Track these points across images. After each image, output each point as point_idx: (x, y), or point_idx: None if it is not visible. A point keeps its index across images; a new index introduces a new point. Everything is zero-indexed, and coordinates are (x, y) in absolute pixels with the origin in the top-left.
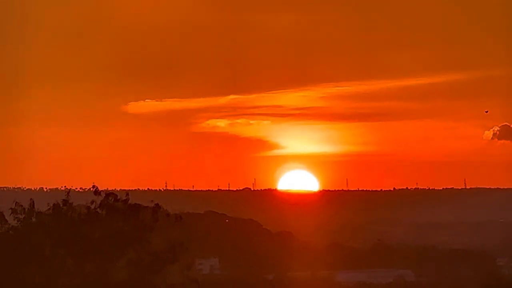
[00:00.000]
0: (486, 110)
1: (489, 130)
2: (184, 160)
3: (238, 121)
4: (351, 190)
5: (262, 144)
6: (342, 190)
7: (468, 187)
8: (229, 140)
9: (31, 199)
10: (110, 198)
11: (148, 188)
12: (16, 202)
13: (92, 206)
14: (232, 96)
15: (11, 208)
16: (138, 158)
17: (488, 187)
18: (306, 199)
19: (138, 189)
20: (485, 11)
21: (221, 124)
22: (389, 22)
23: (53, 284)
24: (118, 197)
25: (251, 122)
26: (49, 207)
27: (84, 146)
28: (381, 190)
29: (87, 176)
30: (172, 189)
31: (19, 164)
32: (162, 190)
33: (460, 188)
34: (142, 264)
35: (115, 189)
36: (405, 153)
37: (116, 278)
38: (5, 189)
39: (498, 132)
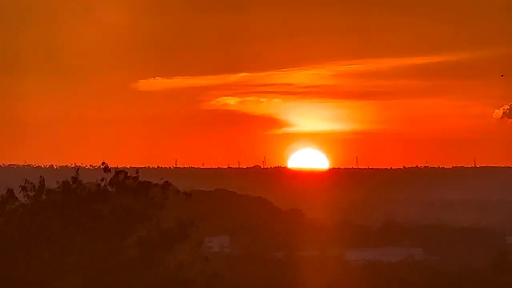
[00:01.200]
0: (502, 74)
1: (499, 109)
2: (194, 138)
3: (248, 98)
4: (360, 168)
5: (272, 122)
6: (352, 168)
7: (478, 165)
8: (239, 118)
9: (41, 176)
10: (120, 176)
11: (158, 166)
12: (26, 180)
13: (102, 184)
14: (242, 74)
15: (20, 186)
16: (148, 135)
17: (498, 165)
18: (316, 177)
19: (148, 166)
20: None
21: (231, 101)
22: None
23: (62, 261)
24: (128, 175)
25: (261, 100)
26: (58, 185)
27: (94, 123)
28: (391, 168)
29: (97, 153)
30: (182, 166)
31: (29, 142)
32: (172, 167)
33: (470, 166)
34: (152, 241)
35: (125, 166)
36: (415, 131)
37: (126, 255)
38: (15, 166)
39: (508, 111)
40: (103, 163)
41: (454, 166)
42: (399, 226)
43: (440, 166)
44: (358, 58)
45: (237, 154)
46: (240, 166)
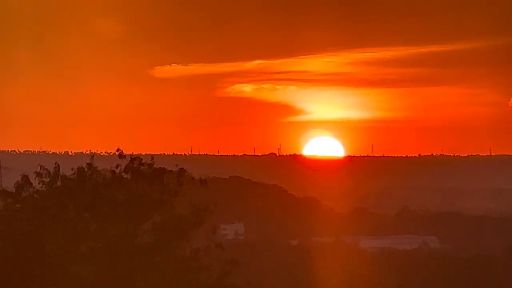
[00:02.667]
0: None
1: None
2: (210, 125)
3: (264, 86)
4: (376, 156)
5: (287, 109)
6: (367, 156)
7: (493, 154)
8: (254, 105)
9: (56, 162)
10: (135, 162)
11: (173, 153)
12: (41, 166)
13: (117, 170)
14: (258, 61)
15: (36, 172)
16: (163, 122)
17: None
18: (331, 164)
19: (164, 153)
20: None
21: (247, 89)
22: None
23: (77, 247)
24: (143, 161)
25: (277, 87)
26: (73, 171)
27: (110, 110)
28: (406, 156)
29: (113, 140)
30: (198, 153)
31: (44, 129)
32: (188, 154)
33: (485, 155)
34: (167, 228)
35: (141, 153)
36: (430, 119)
37: (141, 241)
38: (30, 152)
39: None
40: (118, 150)
41: (470, 154)
42: (414, 214)
43: (456, 154)
44: (373, 46)
45: (252, 141)
46: (256, 154)
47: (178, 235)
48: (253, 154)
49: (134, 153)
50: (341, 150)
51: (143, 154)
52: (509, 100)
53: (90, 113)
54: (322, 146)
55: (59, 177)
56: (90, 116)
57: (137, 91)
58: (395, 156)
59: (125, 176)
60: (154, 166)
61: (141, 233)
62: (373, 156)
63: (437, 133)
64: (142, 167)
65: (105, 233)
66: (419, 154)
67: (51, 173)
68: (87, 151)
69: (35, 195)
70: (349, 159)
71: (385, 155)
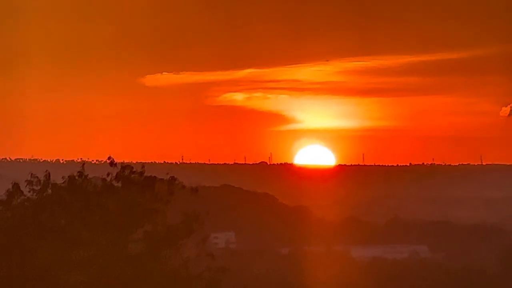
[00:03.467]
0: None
1: (506, 106)
2: (201, 134)
3: (255, 94)
4: (367, 165)
5: (278, 118)
6: (359, 165)
7: (484, 163)
8: (245, 114)
9: (46, 170)
10: (126, 170)
11: (164, 161)
12: (32, 174)
13: (108, 178)
14: (249, 70)
15: (26, 180)
16: (154, 131)
17: (504, 163)
18: (322, 173)
19: (154, 162)
20: None
21: (238, 97)
22: None
23: (68, 255)
24: (134, 169)
25: (268, 96)
26: (64, 180)
27: (101, 118)
28: (397, 165)
29: (104, 148)
30: (188, 162)
31: (35, 136)
32: (178, 163)
33: (476, 164)
34: (158, 236)
35: (131, 161)
36: (421, 128)
37: (131, 250)
38: (21, 160)
39: None
40: (109, 158)
41: (461, 163)
42: (405, 223)
43: (447, 164)
44: (365, 55)
45: (243, 150)
46: (247, 162)
47: (169, 244)
48: (244, 162)
49: (125, 161)
50: (332, 159)
51: (134, 162)
52: (500, 110)
53: (81, 121)
54: (313, 155)
55: (50, 185)
56: (81, 124)
57: (128, 99)
58: (386, 165)
59: (116, 184)
60: (145, 174)
61: (132, 241)
62: (364, 165)
63: (428, 142)
64: (133, 175)
65: (96, 242)
66: (410, 163)
67: (42, 181)
68: (78, 159)
69: (25, 203)
70: (340, 168)
71: (376, 164)
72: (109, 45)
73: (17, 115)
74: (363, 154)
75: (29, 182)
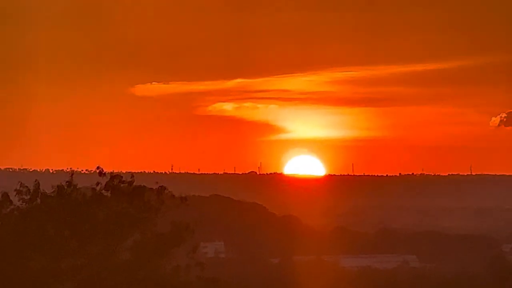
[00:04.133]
0: None
1: (496, 117)
2: (190, 143)
3: (245, 104)
4: (356, 175)
5: (268, 128)
6: (348, 175)
7: (473, 173)
8: (235, 124)
9: (36, 180)
10: (115, 180)
11: (154, 171)
12: (21, 183)
13: (97, 188)
14: (238, 80)
15: (16, 189)
16: (144, 140)
17: (494, 173)
18: (312, 183)
19: (144, 171)
20: None
21: (228, 107)
22: (395, 6)
23: (57, 264)
24: (123, 179)
25: (258, 106)
26: (53, 189)
27: (91, 128)
28: (387, 175)
29: (94, 158)
30: (178, 172)
31: (25, 146)
32: (168, 173)
33: (465, 174)
34: (147, 245)
35: (121, 171)
36: (411, 138)
37: (121, 259)
38: (11, 170)
39: (505, 119)
40: (98, 168)
41: (450, 173)
42: (395, 233)
43: (436, 174)
44: (354, 65)
45: (233, 159)
46: (236, 172)
47: (158, 253)
48: (233, 172)
49: (115, 171)
50: (322, 168)
51: (123, 172)
52: (490, 120)
53: (70, 131)
54: (303, 165)
55: (39, 195)
56: (70, 133)
57: (117, 109)
58: (376, 175)
59: (105, 193)
60: (134, 184)
61: (122, 250)
62: (354, 175)
63: (417, 152)
64: (122, 185)
65: (86, 251)
66: (400, 173)
67: (31, 190)
68: (67, 168)
69: (15, 213)
70: (329, 178)
71: (366, 174)
72: (99, 55)
73: (6, 124)
74: (352, 164)
75: (19, 192)
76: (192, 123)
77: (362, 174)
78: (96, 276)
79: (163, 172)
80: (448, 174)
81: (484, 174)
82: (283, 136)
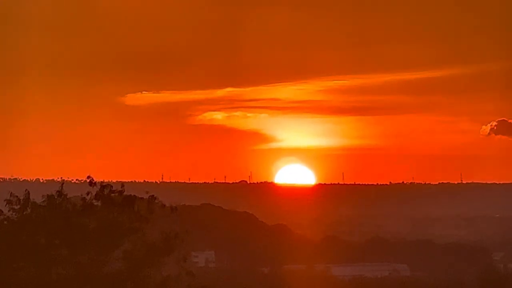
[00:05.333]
0: None
1: (486, 125)
2: (181, 153)
3: (235, 113)
4: (347, 184)
5: (259, 137)
6: (338, 184)
7: (464, 181)
8: (226, 133)
9: (26, 190)
10: (106, 190)
11: (144, 180)
12: (11, 193)
13: (88, 198)
14: (229, 89)
15: (6, 199)
16: (134, 150)
17: (484, 182)
18: (302, 192)
19: (135, 181)
20: (482, 7)
21: (218, 116)
22: (386, 16)
23: (47, 274)
24: (114, 189)
25: (248, 115)
26: (43, 199)
27: (81, 137)
28: (377, 184)
29: (84, 167)
30: (169, 181)
31: (15, 156)
32: (159, 182)
33: (456, 182)
34: (138, 255)
35: (112, 180)
36: (401, 147)
37: (111, 268)
38: (1, 179)
39: (495, 127)
40: (88, 177)
41: (441, 182)
42: (385, 242)
43: (427, 182)
44: (345, 74)
45: (223, 169)
46: (227, 181)
47: (149, 263)
48: (224, 181)
49: (106, 181)
50: (312, 177)
51: (114, 181)
52: (480, 128)
53: (61, 140)
54: (293, 174)
55: (30, 205)
56: (61, 143)
57: (108, 118)
58: (366, 183)
59: (95, 203)
60: (125, 193)
61: (112, 260)
62: (344, 183)
63: (407, 161)
64: (112, 195)
65: (76, 260)
66: (390, 182)
67: (22, 200)
68: (58, 178)
69: (5, 223)
70: (320, 187)
71: (356, 183)
72: (90, 64)
73: None
74: (343, 173)
75: (9, 202)
76: (182, 132)
77: (353, 183)
78: (87, 285)
79: (154, 182)
80: (439, 183)
81: (475, 183)
82: (273, 145)
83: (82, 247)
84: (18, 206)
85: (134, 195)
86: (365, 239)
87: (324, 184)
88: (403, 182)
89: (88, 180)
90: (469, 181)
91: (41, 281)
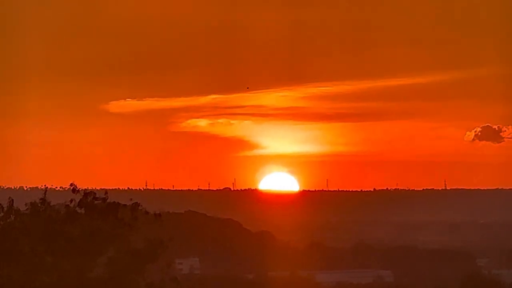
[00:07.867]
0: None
1: (470, 131)
2: (165, 160)
3: (219, 120)
4: (331, 191)
5: (242, 144)
6: (322, 190)
7: (448, 187)
8: (209, 140)
9: (9, 197)
10: (89, 197)
11: (128, 187)
12: None
13: (71, 205)
14: (213, 96)
15: None
16: (118, 157)
17: (468, 188)
18: (286, 199)
19: (118, 188)
20: (468, 13)
21: (202, 123)
22: (369, 23)
23: (31, 281)
24: (97, 196)
25: (232, 122)
26: (27, 207)
27: (65, 145)
28: (361, 190)
29: (68, 175)
30: (152, 188)
31: None
32: (142, 189)
33: (440, 188)
34: (121, 262)
35: (95, 188)
36: (385, 153)
37: (95, 275)
38: None
39: (479, 133)
40: (71, 185)
41: (425, 188)
42: (370, 248)
43: (411, 188)
44: (329, 81)
45: (207, 176)
46: (210, 188)
47: (133, 270)
48: (208, 188)
49: (89, 188)
50: (296, 184)
51: (97, 188)
52: (465, 135)
53: (44, 148)
54: (277, 181)
55: (13, 212)
56: (44, 150)
57: (91, 125)
58: (350, 190)
59: (79, 210)
60: (108, 200)
61: (96, 267)
62: (328, 190)
63: (392, 167)
64: (96, 202)
65: (60, 268)
66: (374, 188)
67: (5, 208)
68: (42, 186)
69: None
70: (304, 194)
71: (340, 190)
72: (73, 71)
73: None
74: (327, 180)
75: None
76: (166, 140)
77: (337, 189)
78: None
79: (137, 189)
80: (423, 189)
81: (459, 189)
82: (257, 152)
83: (66, 255)
84: (2, 214)
85: (118, 202)
86: (350, 245)
87: (309, 190)
88: (387, 188)
89: (71, 188)
90: (454, 187)
91: None
